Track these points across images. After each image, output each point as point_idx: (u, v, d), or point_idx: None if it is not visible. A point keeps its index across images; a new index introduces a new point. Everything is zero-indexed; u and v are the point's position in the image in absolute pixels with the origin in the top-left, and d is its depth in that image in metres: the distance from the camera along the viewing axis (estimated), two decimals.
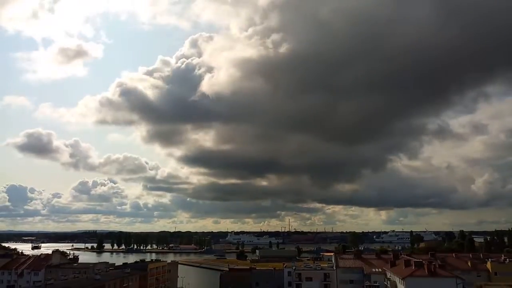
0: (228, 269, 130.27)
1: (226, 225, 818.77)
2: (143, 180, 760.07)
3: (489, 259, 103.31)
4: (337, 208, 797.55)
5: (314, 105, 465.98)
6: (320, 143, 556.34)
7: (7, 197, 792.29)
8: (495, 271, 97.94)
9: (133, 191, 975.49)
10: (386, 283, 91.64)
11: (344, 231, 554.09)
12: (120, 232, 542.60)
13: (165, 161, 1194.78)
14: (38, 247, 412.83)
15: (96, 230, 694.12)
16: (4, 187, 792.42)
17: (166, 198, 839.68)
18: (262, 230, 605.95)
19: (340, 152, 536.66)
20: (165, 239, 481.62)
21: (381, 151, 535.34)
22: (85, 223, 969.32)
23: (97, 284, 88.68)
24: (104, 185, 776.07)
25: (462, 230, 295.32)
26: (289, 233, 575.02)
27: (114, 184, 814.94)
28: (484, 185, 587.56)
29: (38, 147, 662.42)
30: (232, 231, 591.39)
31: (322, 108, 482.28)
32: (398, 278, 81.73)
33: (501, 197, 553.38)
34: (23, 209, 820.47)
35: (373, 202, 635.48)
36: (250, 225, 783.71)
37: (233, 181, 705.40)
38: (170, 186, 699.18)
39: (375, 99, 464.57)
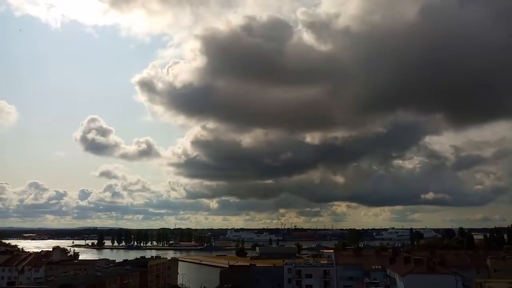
0: (228, 266, 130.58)
1: (231, 222, 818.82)
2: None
3: (489, 256, 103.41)
4: (343, 205, 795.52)
5: None
6: None
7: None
8: (495, 268, 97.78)
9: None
10: (385, 280, 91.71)
11: (344, 228, 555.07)
12: (120, 228, 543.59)
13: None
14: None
15: (97, 227, 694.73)
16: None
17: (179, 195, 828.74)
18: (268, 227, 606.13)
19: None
20: (165, 236, 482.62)
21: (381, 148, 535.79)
22: (93, 221, 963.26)
23: (97, 280, 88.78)
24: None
25: (462, 227, 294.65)
26: (289, 230, 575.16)
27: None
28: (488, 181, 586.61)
29: None
30: (232, 228, 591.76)
31: None
32: (397, 275, 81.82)
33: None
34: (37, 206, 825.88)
35: (378, 200, 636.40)
36: (256, 222, 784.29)
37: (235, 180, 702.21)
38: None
39: None
